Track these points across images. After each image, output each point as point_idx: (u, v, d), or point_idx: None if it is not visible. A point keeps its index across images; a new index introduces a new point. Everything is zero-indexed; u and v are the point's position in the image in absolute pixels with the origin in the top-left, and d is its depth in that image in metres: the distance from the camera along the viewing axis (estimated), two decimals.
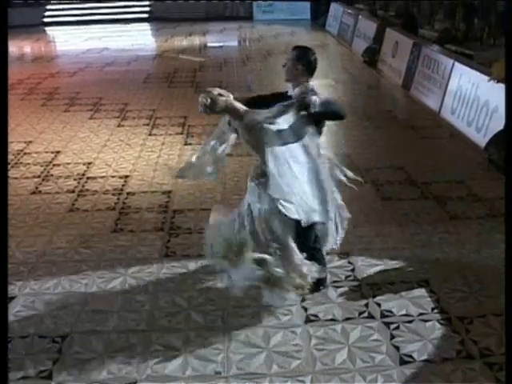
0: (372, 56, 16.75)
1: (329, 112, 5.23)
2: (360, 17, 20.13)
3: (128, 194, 8.08)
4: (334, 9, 24.63)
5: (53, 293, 5.72)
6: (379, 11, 20.78)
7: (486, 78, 9.91)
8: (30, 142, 10.48)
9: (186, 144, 10.12)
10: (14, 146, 10.15)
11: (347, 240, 6.57)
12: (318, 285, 5.60)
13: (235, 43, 23.59)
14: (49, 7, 30.25)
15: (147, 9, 29.95)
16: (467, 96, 10.63)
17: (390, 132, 10.75)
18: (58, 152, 9.89)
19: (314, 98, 5.07)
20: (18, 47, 23.53)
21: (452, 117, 11.07)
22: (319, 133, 5.33)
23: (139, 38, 24.89)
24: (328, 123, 5.63)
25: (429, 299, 5.45)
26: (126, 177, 8.68)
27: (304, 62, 5.38)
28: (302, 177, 5.05)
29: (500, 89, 9.04)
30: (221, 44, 21.76)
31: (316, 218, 5.11)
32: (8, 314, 5.09)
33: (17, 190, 8.28)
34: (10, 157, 9.62)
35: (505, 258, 4.07)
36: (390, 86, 14.69)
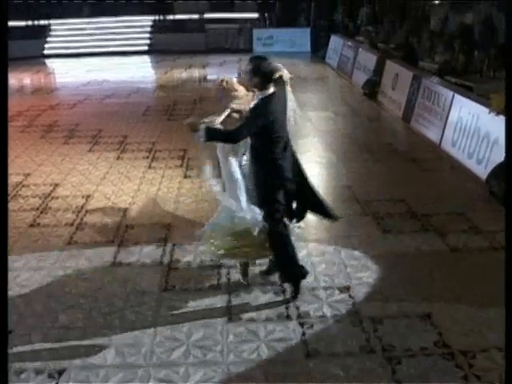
0: (372, 88, 16.84)
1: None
2: (360, 49, 20.29)
3: (127, 227, 8.08)
4: (334, 41, 24.84)
5: (50, 327, 5.70)
6: (379, 44, 20.94)
7: (487, 109, 9.96)
8: (29, 174, 10.50)
9: (185, 177, 10.13)
10: (12, 179, 10.16)
11: (347, 274, 6.58)
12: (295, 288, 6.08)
13: (235, 76, 23.70)
14: (49, 39, 30.50)
15: (147, 41, 30.24)
16: (468, 128, 10.67)
17: (391, 164, 10.78)
18: (56, 184, 9.91)
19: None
20: (17, 79, 23.62)
21: (453, 149, 11.10)
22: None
23: (139, 71, 25.05)
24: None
25: (431, 333, 5.43)
26: (125, 210, 8.68)
27: (259, 74, 5.72)
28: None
29: (500, 121, 9.10)
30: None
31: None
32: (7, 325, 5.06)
33: (15, 223, 8.26)
34: (9, 189, 9.63)
35: (505, 260, 4.10)
36: (390, 119, 14.76)
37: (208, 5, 30.88)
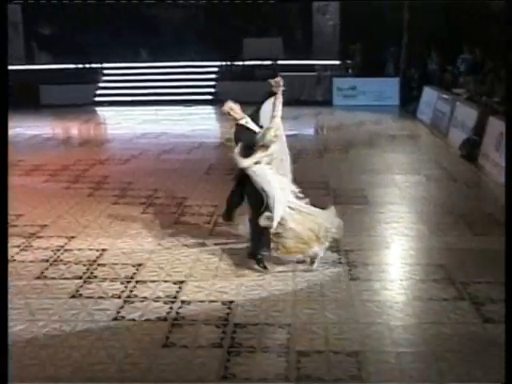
0: (471, 149, 16.71)
1: None
2: (458, 103, 20.20)
3: (183, 302, 8.11)
4: (427, 93, 24.82)
5: None
6: (481, 97, 20.82)
7: None
8: (73, 237, 10.69)
9: None
10: (53, 242, 10.38)
11: (440, 371, 6.44)
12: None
13: (311, 131, 23.92)
14: (101, 85, 31.28)
15: (212, 90, 30.61)
16: None
17: (493, 239, 10.57)
18: (103, 250, 10.05)
19: None
20: (64, 129, 24.38)
21: None
22: None
23: (202, 123, 25.44)
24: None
25: None
26: (181, 282, 8.73)
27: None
28: None
29: None
30: (295, 132, 21.99)
31: None
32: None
33: (53, 292, 8.40)
34: (49, 253, 9.85)
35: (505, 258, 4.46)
36: (492, 185, 14.58)
37: (282, 50, 31.24)
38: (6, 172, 5.83)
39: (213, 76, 31.56)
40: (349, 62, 30.89)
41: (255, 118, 9.91)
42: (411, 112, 25.89)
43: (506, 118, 6.41)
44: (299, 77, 30.04)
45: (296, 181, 9.63)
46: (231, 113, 9.88)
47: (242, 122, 9.73)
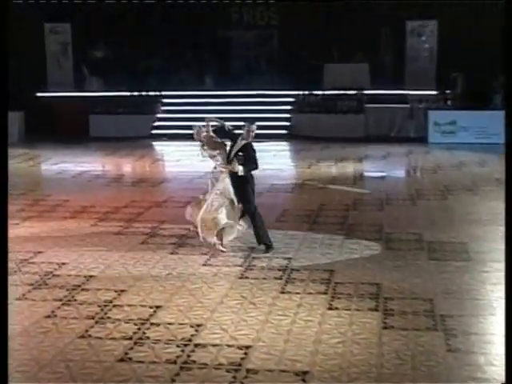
0: None
1: None
2: None
3: (248, 371, 8.05)
4: None
5: None
6: None
7: None
8: (123, 291, 10.75)
9: (330, 308, 10.06)
10: (100, 296, 10.46)
11: None
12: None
13: (402, 173, 23.72)
14: (160, 116, 31.63)
15: (286, 123, 30.51)
16: None
17: None
18: (158, 307, 10.07)
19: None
20: (116, 165, 24.66)
21: None
22: None
23: (274, 161, 25.40)
24: None
25: None
26: (248, 347, 8.68)
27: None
28: None
29: None
30: (383, 174, 21.85)
31: None
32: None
33: (99, 355, 8.42)
34: (95, 309, 9.91)
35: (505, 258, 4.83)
36: None
37: (368, 77, 31.05)
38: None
39: (288, 107, 31.44)
40: (448, 92, 30.58)
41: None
42: None
43: (505, 118, 6.78)
44: (389, 109, 29.98)
45: (384, 231, 9.53)
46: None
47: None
